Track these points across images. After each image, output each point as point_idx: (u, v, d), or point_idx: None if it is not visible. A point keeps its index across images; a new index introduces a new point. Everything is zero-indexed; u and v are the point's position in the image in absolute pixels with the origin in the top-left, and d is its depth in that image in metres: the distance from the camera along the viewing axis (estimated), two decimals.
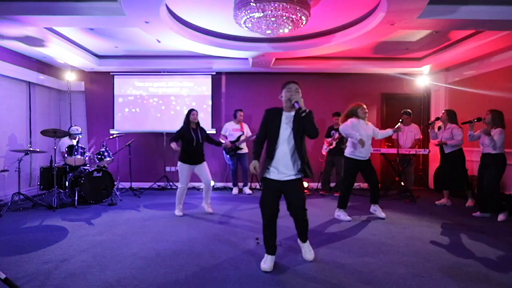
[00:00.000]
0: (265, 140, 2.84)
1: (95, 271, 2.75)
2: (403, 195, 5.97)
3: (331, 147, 6.28)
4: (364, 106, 4.48)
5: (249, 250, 3.25)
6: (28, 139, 6.27)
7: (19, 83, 6.05)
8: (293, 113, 2.77)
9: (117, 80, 7.17)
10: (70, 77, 6.95)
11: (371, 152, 4.52)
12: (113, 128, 7.13)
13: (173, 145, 4.50)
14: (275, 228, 2.81)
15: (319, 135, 2.81)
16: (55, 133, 5.08)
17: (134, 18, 4.07)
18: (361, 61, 6.68)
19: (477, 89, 5.97)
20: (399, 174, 6.13)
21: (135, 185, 6.90)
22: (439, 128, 5.41)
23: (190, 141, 4.50)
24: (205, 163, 4.68)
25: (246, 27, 3.98)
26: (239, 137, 6.40)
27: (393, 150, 6.16)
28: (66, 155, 5.44)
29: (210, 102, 7.17)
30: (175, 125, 6.77)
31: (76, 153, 5.40)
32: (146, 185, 7.06)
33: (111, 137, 6.55)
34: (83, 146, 5.62)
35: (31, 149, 5.18)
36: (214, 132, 7.07)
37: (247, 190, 6.51)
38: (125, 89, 7.20)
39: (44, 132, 5.08)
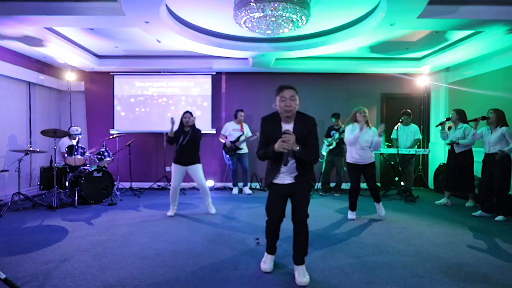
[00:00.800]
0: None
1: (95, 271, 2.75)
2: (403, 195, 5.97)
3: (331, 147, 6.28)
4: (363, 110, 4.37)
5: (249, 250, 3.25)
6: (28, 139, 6.27)
7: (19, 83, 6.05)
8: (291, 124, 2.53)
9: (117, 80, 7.16)
10: (70, 77, 6.95)
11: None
12: (113, 128, 7.13)
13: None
14: (278, 232, 2.75)
15: (317, 161, 2.61)
16: (55, 133, 5.08)
17: (134, 18, 4.07)
18: (361, 61, 6.68)
19: (477, 89, 5.97)
20: (399, 174, 6.14)
21: (135, 185, 6.90)
22: (450, 128, 5.39)
23: (179, 140, 4.52)
24: (198, 166, 4.60)
25: (246, 27, 3.98)
26: (239, 137, 6.40)
27: (393, 150, 6.16)
28: (66, 155, 5.44)
29: (210, 102, 7.17)
30: (175, 125, 6.79)
31: (76, 153, 5.40)
32: (146, 185, 7.06)
33: (111, 137, 6.55)
34: (83, 146, 5.62)
35: (31, 149, 5.18)
36: (214, 132, 7.07)
37: (247, 190, 6.51)
38: (125, 89, 7.19)
39: (44, 132, 5.08)
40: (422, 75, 7.18)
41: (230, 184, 6.88)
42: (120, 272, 2.73)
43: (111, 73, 7.11)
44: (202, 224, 4.22)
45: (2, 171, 5.20)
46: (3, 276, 2.00)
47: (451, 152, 5.34)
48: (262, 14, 3.62)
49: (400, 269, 2.81)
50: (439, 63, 6.34)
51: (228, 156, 6.48)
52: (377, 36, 4.81)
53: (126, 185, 6.79)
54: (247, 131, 6.52)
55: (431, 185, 7.05)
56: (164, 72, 7.15)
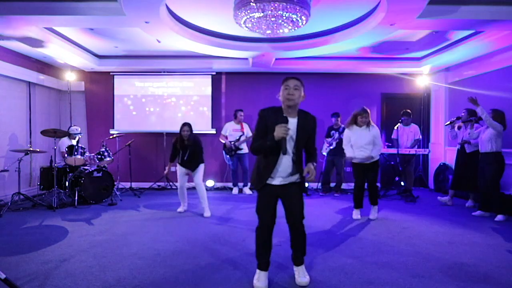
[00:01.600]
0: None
1: (95, 271, 2.75)
2: (403, 195, 5.97)
3: (331, 147, 6.28)
4: (365, 114, 4.31)
5: (249, 250, 3.25)
6: (28, 139, 6.27)
7: (19, 83, 6.05)
8: (295, 119, 2.40)
9: (117, 80, 7.17)
10: (70, 77, 6.95)
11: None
12: (113, 128, 7.13)
13: (169, 167, 4.97)
14: (270, 241, 2.50)
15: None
16: (55, 133, 5.08)
17: (134, 18, 4.07)
18: (361, 61, 6.68)
19: (477, 89, 5.97)
20: (399, 174, 6.14)
21: (135, 185, 6.90)
22: (459, 128, 5.38)
23: (181, 156, 4.68)
24: (200, 166, 4.73)
25: (246, 27, 3.98)
26: (239, 137, 6.40)
27: (393, 150, 6.16)
28: (66, 155, 5.44)
29: (210, 102, 7.17)
30: (175, 125, 6.78)
31: (76, 153, 5.40)
32: (146, 185, 7.06)
33: (111, 137, 6.55)
34: (83, 146, 5.62)
35: (31, 149, 5.18)
36: (214, 132, 7.07)
37: (247, 190, 6.51)
38: (125, 89, 7.20)
39: (44, 132, 5.08)
40: (422, 75, 7.18)
41: (230, 184, 6.89)
42: (120, 272, 2.73)
43: (111, 73, 7.11)
44: (202, 224, 4.22)
45: (2, 171, 5.20)
46: (3, 276, 2.00)
47: (461, 152, 5.30)
48: (262, 14, 3.62)
49: (400, 269, 2.81)
50: (439, 63, 6.35)
51: (228, 156, 6.48)
52: (377, 36, 4.81)
53: (126, 185, 6.79)
54: (248, 131, 6.52)
55: (431, 185, 7.05)
56: (164, 72, 7.16)
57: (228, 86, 7.36)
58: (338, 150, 6.18)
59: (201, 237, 3.68)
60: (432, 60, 6.30)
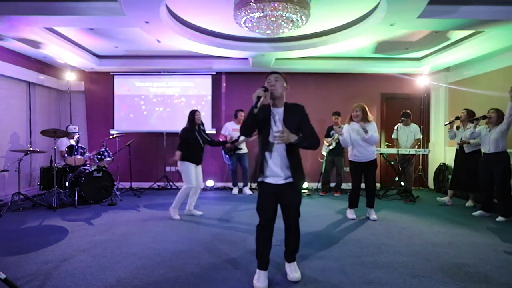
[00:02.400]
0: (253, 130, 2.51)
1: (95, 271, 2.75)
2: (403, 195, 5.97)
3: (331, 147, 6.28)
4: (355, 108, 4.31)
5: (249, 250, 3.25)
6: (28, 139, 6.27)
7: (19, 83, 6.05)
8: (281, 108, 2.48)
9: (117, 80, 7.16)
10: (70, 77, 6.95)
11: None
12: (113, 128, 7.13)
13: (179, 154, 4.45)
14: (271, 240, 2.51)
15: (319, 144, 2.49)
16: (55, 133, 5.08)
17: (134, 18, 4.07)
18: (361, 61, 6.69)
19: (477, 89, 5.97)
20: (399, 174, 6.14)
21: (135, 185, 6.90)
22: (458, 128, 5.37)
23: (197, 142, 4.51)
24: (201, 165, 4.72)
25: (246, 27, 3.98)
26: (239, 137, 6.38)
27: (393, 150, 6.16)
28: (66, 155, 5.44)
29: (210, 102, 7.17)
30: (175, 125, 6.80)
31: (76, 153, 5.40)
32: (146, 185, 7.06)
33: (111, 137, 6.55)
34: (83, 146, 5.61)
35: (31, 149, 5.18)
36: (214, 132, 7.07)
37: (247, 190, 6.51)
38: (125, 89, 7.19)
39: (44, 132, 5.08)
40: (422, 75, 7.18)
41: (230, 184, 6.88)
42: (120, 272, 2.73)
43: (111, 73, 7.11)
44: (202, 224, 4.22)
45: (2, 171, 5.20)
46: (3, 276, 2.00)
47: (460, 152, 5.30)
48: (262, 14, 3.62)
49: (400, 269, 2.81)
50: (439, 63, 6.35)
51: (227, 156, 6.48)
52: (377, 36, 4.81)
53: (126, 185, 6.79)
54: None
55: (431, 185, 7.05)
56: (164, 72, 7.15)
57: (228, 86, 7.36)
58: (338, 150, 6.19)
59: (201, 237, 3.68)
60: (432, 60, 6.31)
